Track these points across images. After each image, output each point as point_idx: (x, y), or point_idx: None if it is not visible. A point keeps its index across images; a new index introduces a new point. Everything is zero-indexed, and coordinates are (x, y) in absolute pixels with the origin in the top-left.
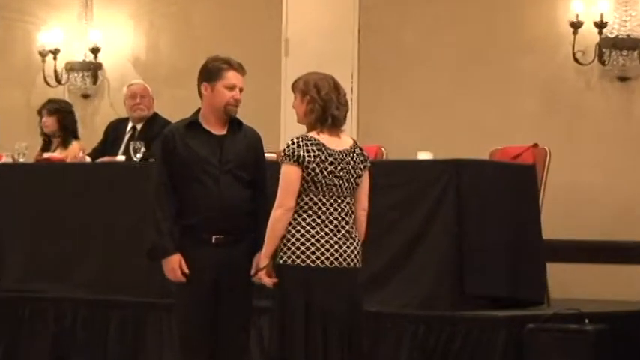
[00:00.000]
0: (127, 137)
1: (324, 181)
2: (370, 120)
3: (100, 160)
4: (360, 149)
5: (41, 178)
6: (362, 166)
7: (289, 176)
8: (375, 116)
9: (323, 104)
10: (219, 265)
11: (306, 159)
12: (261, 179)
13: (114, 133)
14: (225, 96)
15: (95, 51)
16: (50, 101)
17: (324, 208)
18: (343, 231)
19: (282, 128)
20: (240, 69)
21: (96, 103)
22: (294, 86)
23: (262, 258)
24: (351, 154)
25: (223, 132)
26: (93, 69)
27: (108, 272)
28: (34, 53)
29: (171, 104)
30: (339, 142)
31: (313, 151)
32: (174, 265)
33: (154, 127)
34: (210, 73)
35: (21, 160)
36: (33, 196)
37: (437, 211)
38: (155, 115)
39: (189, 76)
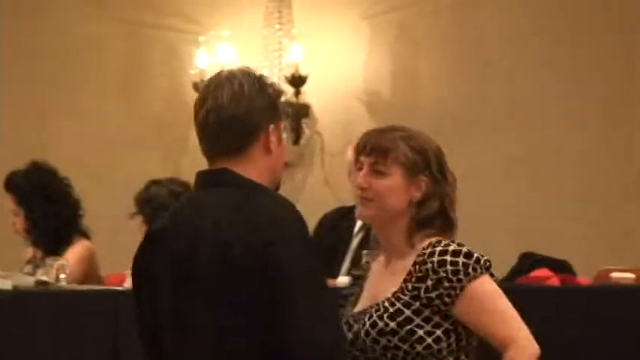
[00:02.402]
0: (355, 242)
1: None
2: None
3: None
4: None
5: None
6: None
7: (501, 293)
8: None
9: (452, 193)
10: None
11: None
12: None
13: (333, 233)
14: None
15: (298, 82)
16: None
17: None
18: None
19: None
20: None
21: (299, 178)
22: (382, 149)
23: None
24: None
25: None
26: (294, 114)
27: None
28: (185, 85)
29: None
30: None
31: None
32: None
33: None
34: (279, 105)
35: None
36: None
37: None
38: None
39: (472, 126)
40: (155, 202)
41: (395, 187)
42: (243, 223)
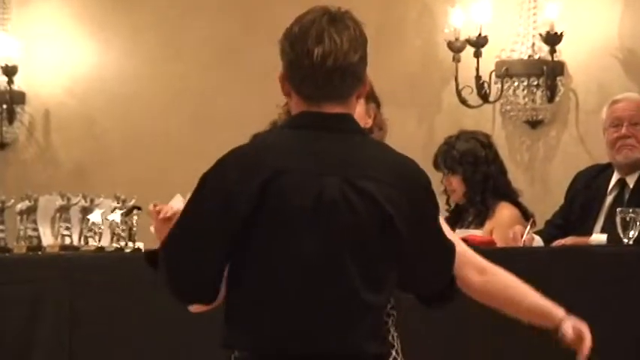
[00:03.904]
0: (609, 199)
1: None
2: None
3: (561, 241)
4: None
5: None
6: None
7: None
8: None
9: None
10: None
11: None
12: None
13: (587, 191)
14: None
15: (553, 40)
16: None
17: None
18: None
19: None
20: None
21: (554, 136)
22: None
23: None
24: None
25: None
26: (549, 72)
27: None
28: (439, 44)
29: None
30: None
31: None
32: None
33: None
34: None
35: None
36: None
37: None
38: None
39: None
40: (470, 155)
41: (360, 114)
42: (392, 173)
